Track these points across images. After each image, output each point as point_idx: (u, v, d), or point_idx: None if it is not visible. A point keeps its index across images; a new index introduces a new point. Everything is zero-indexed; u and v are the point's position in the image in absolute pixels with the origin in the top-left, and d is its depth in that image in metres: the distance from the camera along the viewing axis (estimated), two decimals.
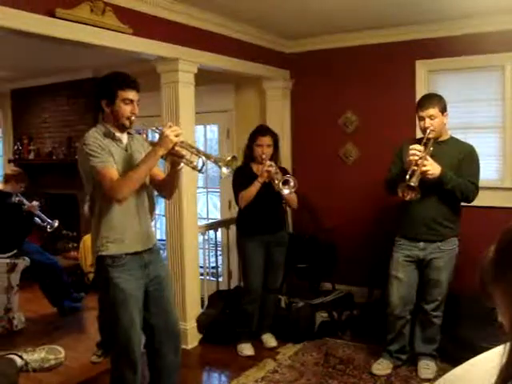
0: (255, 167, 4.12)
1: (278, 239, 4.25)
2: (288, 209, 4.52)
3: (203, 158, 2.85)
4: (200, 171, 2.94)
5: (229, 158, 2.84)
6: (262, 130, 4.18)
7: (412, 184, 3.27)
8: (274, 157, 4.13)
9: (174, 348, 3.03)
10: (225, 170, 2.82)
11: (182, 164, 2.84)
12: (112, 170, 2.70)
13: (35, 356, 3.79)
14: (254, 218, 4.11)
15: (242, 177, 4.05)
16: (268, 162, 3.97)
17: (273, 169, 3.94)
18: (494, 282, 1.04)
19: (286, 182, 3.94)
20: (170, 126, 2.75)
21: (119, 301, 2.76)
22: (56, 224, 5.22)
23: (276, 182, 3.94)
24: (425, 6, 4.16)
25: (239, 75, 5.20)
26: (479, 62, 4.61)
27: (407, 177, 3.30)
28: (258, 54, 5.03)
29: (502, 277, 1.02)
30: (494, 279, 1.04)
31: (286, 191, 3.94)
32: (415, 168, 3.30)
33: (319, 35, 5.17)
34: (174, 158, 2.82)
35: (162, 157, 2.78)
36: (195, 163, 2.88)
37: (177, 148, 2.75)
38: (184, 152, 2.81)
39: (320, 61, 5.36)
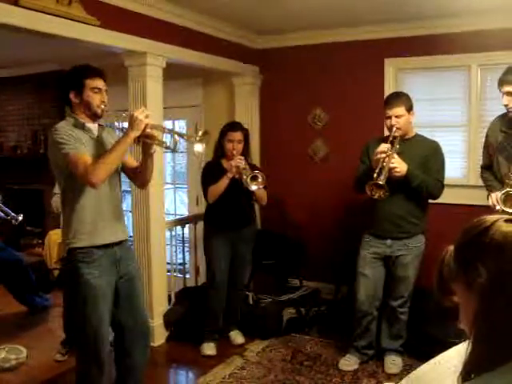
0: (225, 163, 4.09)
1: (245, 235, 4.23)
2: (256, 205, 4.49)
3: (175, 136, 2.82)
4: (174, 150, 2.91)
5: (200, 134, 2.82)
6: (233, 126, 4.16)
7: (380, 182, 3.30)
8: (245, 153, 4.11)
9: (143, 347, 3.01)
10: (198, 146, 2.80)
11: (154, 147, 2.81)
12: (84, 155, 2.66)
13: None
14: (222, 214, 4.09)
15: (211, 172, 4.04)
16: (237, 158, 3.95)
17: (242, 164, 3.92)
18: (457, 277, 1.05)
19: (254, 178, 3.91)
20: (138, 109, 2.73)
21: (89, 297, 2.72)
22: (21, 218, 5.09)
23: (244, 177, 3.92)
24: (395, 6, 4.20)
25: (208, 70, 5.16)
26: (446, 61, 4.68)
27: (375, 175, 3.32)
28: (228, 49, 5.00)
29: (461, 273, 1.03)
30: (459, 275, 1.05)
31: (253, 187, 3.92)
32: (383, 166, 3.32)
33: (289, 32, 5.16)
34: (146, 141, 2.78)
35: (134, 140, 2.74)
36: (168, 143, 2.85)
37: (148, 130, 2.72)
38: (155, 133, 2.78)
39: (290, 57, 5.36)
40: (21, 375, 3.62)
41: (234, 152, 4.03)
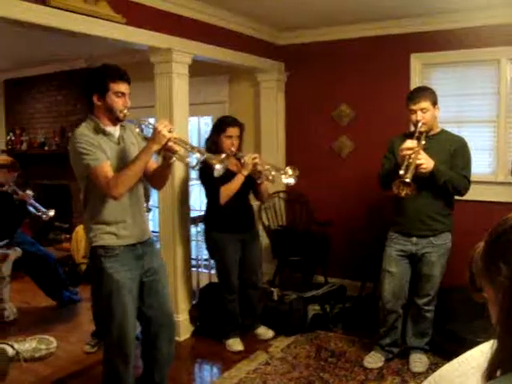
0: None
1: (253, 234, 4.21)
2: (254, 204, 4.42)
3: (197, 154, 2.84)
4: (193, 168, 2.93)
5: (223, 157, 2.86)
6: (232, 121, 3.99)
7: (407, 180, 3.22)
8: (240, 148, 4.00)
9: (169, 339, 3.04)
10: (218, 167, 2.81)
11: (173, 158, 2.83)
12: (106, 167, 2.68)
13: (26, 346, 3.78)
14: (230, 215, 3.97)
15: (212, 172, 3.92)
16: (252, 155, 3.86)
17: (258, 161, 3.83)
18: (483, 274, 1.05)
19: (285, 173, 3.79)
20: (163, 123, 2.74)
21: (113, 292, 2.75)
22: (52, 213, 5.17)
23: (261, 174, 3.83)
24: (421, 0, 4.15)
25: (233, 67, 5.17)
26: (474, 55, 4.61)
27: (401, 172, 3.25)
28: (253, 45, 5.01)
29: (491, 269, 1.03)
30: (484, 272, 1.05)
31: (291, 180, 3.77)
32: (409, 162, 3.28)
33: (314, 27, 5.15)
34: (166, 153, 2.80)
35: (155, 152, 2.77)
36: (188, 159, 2.88)
37: (170, 144, 2.74)
38: (177, 148, 2.80)
39: (315, 53, 5.34)
40: (50, 365, 3.69)
41: (233, 149, 3.92)
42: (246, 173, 3.82)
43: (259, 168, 3.85)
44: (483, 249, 1.07)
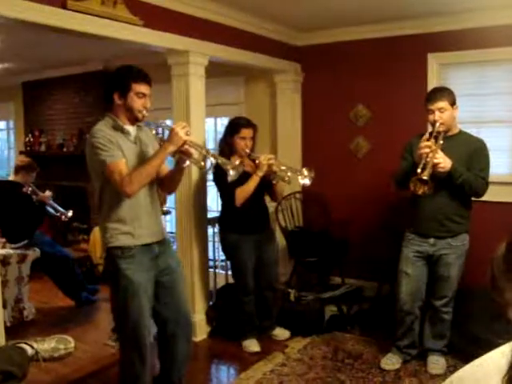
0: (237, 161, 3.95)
1: (268, 235, 4.21)
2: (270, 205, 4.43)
3: (211, 159, 2.86)
4: (207, 172, 2.95)
5: (237, 163, 2.90)
6: (245, 122, 3.99)
7: (424, 177, 3.22)
8: (252, 149, 4.01)
9: (186, 339, 3.05)
10: (232, 173, 2.85)
11: (187, 162, 2.85)
12: (121, 164, 2.70)
13: (45, 345, 3.82)
14: (246, 216, 3.97)
15: (226, 174, 3.91)
16: (267, 155, 3.87)
17: (273, 161, 3.83)
18: (505, 276, 1.04)
19: (301, 173, 3.80)
20: (181, 125, 2.77)
21: (129, 291, 2.78)
22: (70, 214, 5.23)
23: (276, 174, 3.84)
24: None
25: (250, 68, 5.18)
26: (492, 55, 4.56)
27: (419, 170, 3.25)
28: (270, 46, 5.01)
29: (507, 271, 1.02)
30: (505, 274, 1.04)
31: (307, 181, 3.78)
32: (426, 161, 3.26)
33: (330, 28, 5.14)
34: (181, 156, 2.82)
35: (170, 154, 2.79)
36: (203, 163, 2.90)
37: (186, 146, 2.76)
38: (192, 151, 2.82)
39: (331, 54, 5.33)
40: (68, 365, 3.72)
41: (247, 150, 3.93)
42: (261, 174, 3.82)
43: (274, 169, 3.85)
44: (505, 250, 1.06)
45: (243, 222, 3.99)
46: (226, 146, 3.99)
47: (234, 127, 3.99)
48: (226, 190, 3.89)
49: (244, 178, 3.73)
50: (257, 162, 3.90)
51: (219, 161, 2.88)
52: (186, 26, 4.04)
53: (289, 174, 3.87)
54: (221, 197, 4.11)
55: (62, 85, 7.27)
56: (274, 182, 3.92)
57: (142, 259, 2.82)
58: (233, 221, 4.04)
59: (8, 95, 8.04)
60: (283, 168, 3.89)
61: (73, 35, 3.46)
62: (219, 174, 3.65)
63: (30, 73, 7.33)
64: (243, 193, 3.84)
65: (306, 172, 3.80)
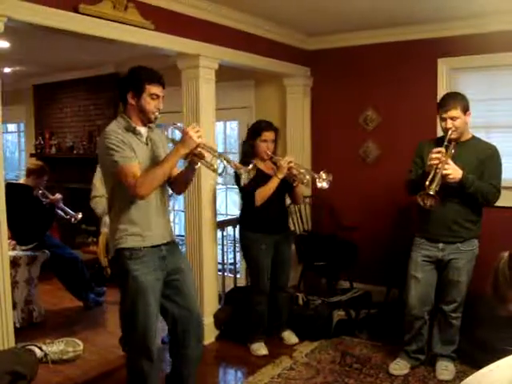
0: (261, 164, 4.02)
1: (286, 237, 4.23)
2: (307, 206, 4.50)
3: (224, 162, 2.87)
4: (220, 175, 2.95)
5: (250, 167, 2.91)
6: (267, 126, 4.08)
7: (431, 192, 3.20)
8: (274, 152, 4.08)
9: (197, 338, 3.05)
10: (244, 176, 2.88)
11: (198, 164, 2.86)
12: (134, 166, 2.71)
13: (54, 348, 3.84)
14: (265, 217, 4.03)
15: None
16: (288, 158, 3.94)
17: (294, 164, 3.91)
18: (510, 285, 1.03)
19: (319, 177, 3.86)
20: (194, 127, 2.78)
21: (137, 293, 2.78)
22: (80, 216, 5.26)
23: (296, 177, 3.90)
24: (448, 4, 4.12)
25: (260, 72, 5.19)
26: (502, 60, 4.55)
27: (427, 183, 3.22)
28: (279, 50, 5.02)
29: None
30: (510, 282, 1.03)
31: (325, 184, 3.85)
32: (436, 173, 3.24)
33: (340, 33, 5.14)
34: (194, 158, 2.83)
35: (183, 157, 2.80)
36: (215, 166, 2.91)
37: (199, 149, 2.78)
38: (205, 153, 2.83)
39: (341, 58, 5.34)
40: (77, 367, 3.74)
41: (269, 152, 4.00)
42: (281, 176, 3.90)
43: (294, 172, 3.93)
44: (508, 259, 1.05)
45: (262, 221, 4.05)
46: (249, 148, 4.09)
47: (255, 130, 4.08)
48: (246, 191, 3.97)
49: (265, 179, 3.89)
50: (277, 164, 3.97)
51: (232, 164, 2.89)
52: (196, 30, 4.06)
53: (307, 177, 3.95)
54: (241, 197, 4.22)
55: (73, 88, 7.32)
56: (294, 184, 4.00)
57: (150, 261, 2.83)
58: (252, 220, 4.11)
59: (19, 98, 8.08)
60: (302, 171, 3.96)
61: (84, 39, 3.49)
62: (239, 176, 3.72)
63: (41, 76, 7.39)
64: (263, 194, 3.93)
65: (324, 175, 3.87)
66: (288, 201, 4.41)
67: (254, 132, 4.08)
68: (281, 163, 3.93)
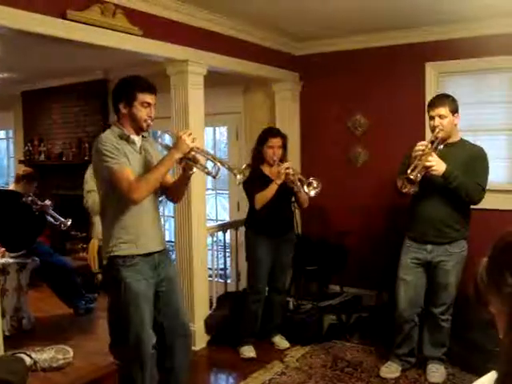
0: (267, 169, 4.14)
1: (287, 241, 4.27)
2: (296, 210, 4.52)
3: (218, 164, 2.88)
4: (214, 177, 2.97)
5: (243, 167, 2.95)
6: (273, 132, 4.20)
7: (411, 177, 3.26)
8: (283, 158, 4.15)
9: (185, 348, 3.04)
10: (238, 176, 2.90)
11: (194, 169, 2.87)
12: (128, 170, 2.73)
13: (44, 355, 3.83)
14: (266, 219, 4.10)
15: (254, 179, 3.98)
16: (286, 164, 4.00)
17: (291, 170, 3.97)
18: (489, 287, 1.05)
19: (309, 184, 3.95)
20: (186, 131, 2.80)
21: (131, 301, 2.78)
22: (69, 223, 5.23)
23: (294, 183, 3.97)
24: (436, 8, 4.15)
25: (248, 77, 5.20)
26: (490, 64, 4.58)
27: (409, 170, 3.29)
28: (268, 56, 5.03)
29: (497, 281, 1.02)
30: (490, 284, 1.04)
31: (312, 192, 3.95)
32: (418, 163, 3.29)
33: (328, 38, 5.16)
34: (188, 163, 2.84)
35: (177, 161, 2.81)
36: (209, 169, 2.92)
37: (193, 153, 2.80)
38: (199, 157, 2.85)
39: (329, 63, 5.36)
40: (67, 375, 3.72)
41: (275, 158, 4.08)
42: (279, 182, 3.97)
43: (291, 178, 3.98)
44: (488, 261, 1.07)
45: (263, 224, 4.13)
46: (258, 154, 4.19)
47: (263, 137, 4.18)
48: (249, 195, 4.15)
49: (269, 184, 4.00)
50: (277, 170, 4.04)
51: (226, 166, 2.93)
52: (184, 36, 4.07)
53: (298, 183, 4.00)
54: (247, 199, 4.26)
55: (62, 94, 7.29)
56: (294, 190, 4.06)
57: (143, 268, 2.83)
58: (254, 221, 4.20)
59: (7, 104, 8.05)
60: (299, 177, 4.02)
61: (72, 45, 3.49)
62: (245, 180, 3.80)
63: (30, 82, 7.35)
64: (261, 198, 4.03)
65: (314, 183, 3.95)
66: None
67: (261, 138, 4.18)
68: (279, 169, 4.00)
